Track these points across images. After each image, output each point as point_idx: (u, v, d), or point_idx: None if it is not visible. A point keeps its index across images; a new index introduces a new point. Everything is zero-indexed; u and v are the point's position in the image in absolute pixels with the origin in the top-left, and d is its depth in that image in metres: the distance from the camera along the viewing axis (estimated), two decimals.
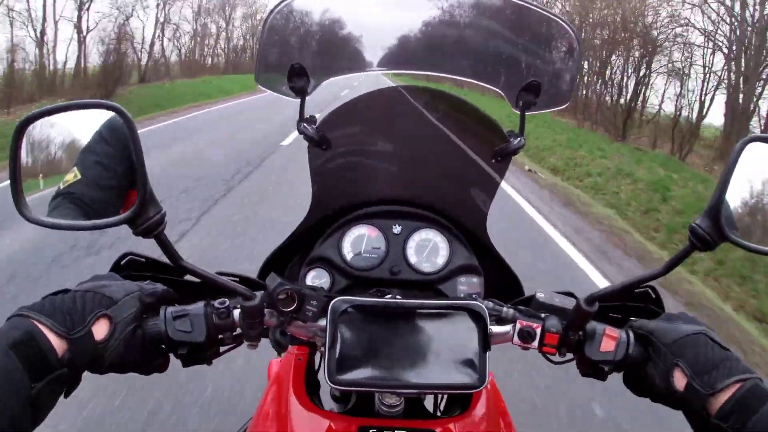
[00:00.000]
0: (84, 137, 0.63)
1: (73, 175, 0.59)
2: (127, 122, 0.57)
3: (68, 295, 0.60)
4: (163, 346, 0.68)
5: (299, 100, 0.78)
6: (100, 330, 0.59)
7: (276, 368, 1.03)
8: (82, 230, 0.58)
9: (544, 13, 0.80)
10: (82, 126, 0.63)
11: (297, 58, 0.78)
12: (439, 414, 0.97)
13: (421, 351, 0.70)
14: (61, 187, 0.59)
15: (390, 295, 0.79)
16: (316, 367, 1.01)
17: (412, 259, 0.93)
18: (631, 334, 0.70)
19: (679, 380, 0.62)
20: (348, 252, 0.92)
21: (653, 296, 0.79)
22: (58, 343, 0.55)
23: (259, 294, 0.69)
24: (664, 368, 0.64)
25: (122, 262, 0.76)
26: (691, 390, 0.60)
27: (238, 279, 0.77)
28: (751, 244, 0.64)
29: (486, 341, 0.70)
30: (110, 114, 0.59)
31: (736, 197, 0.64)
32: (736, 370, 0.59)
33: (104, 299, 0.61)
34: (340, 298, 0.70)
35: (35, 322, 0.55)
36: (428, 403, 0.97)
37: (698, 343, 0.63)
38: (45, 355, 0.54)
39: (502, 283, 0.96)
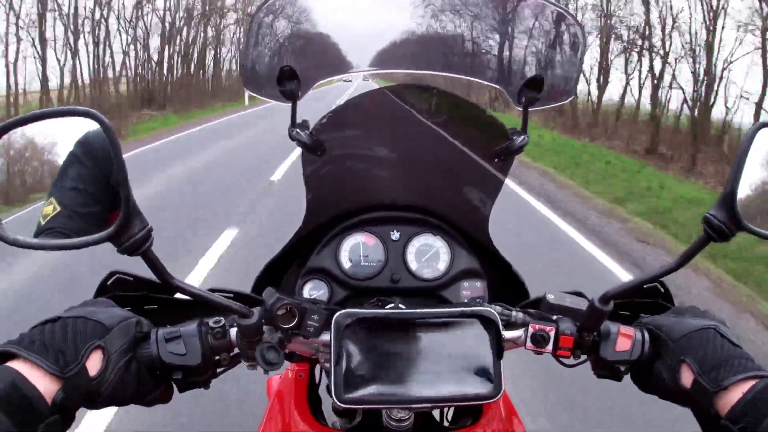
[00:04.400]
0: (60, 150, 0.59)
1: (51, 208, 0.56)
2: (105, 130, 0.52)
3: (58, 325, 0.56)
4: (158, 372, 0.64)
5: (290, 104, 0.74)
6: (94, 363, 0.56)
7: (276, 385, 0.99)
8: (61, 250, 0.53)
9: (546, 3, 0.78)
10: (57, 138, 0.59)
11: (286, 60, 0.73)
12: (446, 424, 0.93)
13: (431, 362, 0.66)
14: (42, 223, 0.55)
15: (392, 305, 0.76)
16: (318, 382, 0.97)
17: (413, 265, 0.90)
18: (645, 332, 0.67)
19: (686, 377, 0.60)
20: (346, 261, 0.89)
21: (662, 290, 0.77)
22: (48, 385, 0.52)
23: (256, 311, 0.65)
24: (671, 364, 0.62)
25: (109, 282, 0.71)
26: (698, 387, 0.58)
27: (232, 295, 0.73)
28: None
29: (500, 348, 0.67)
30: (88, 123, 0.54)
31: (750, 184, 0.62)
32: (744, 367, 0.57)
33: (97, 327, 0.57)
34: (344, 311, 0.66)
35: (23, 362, 0.52)
36: (436, 413, 0.93)
37: (707, 338, 0.61)
38: (33, 404, 0.50)
39: (506, 286, 0.93)
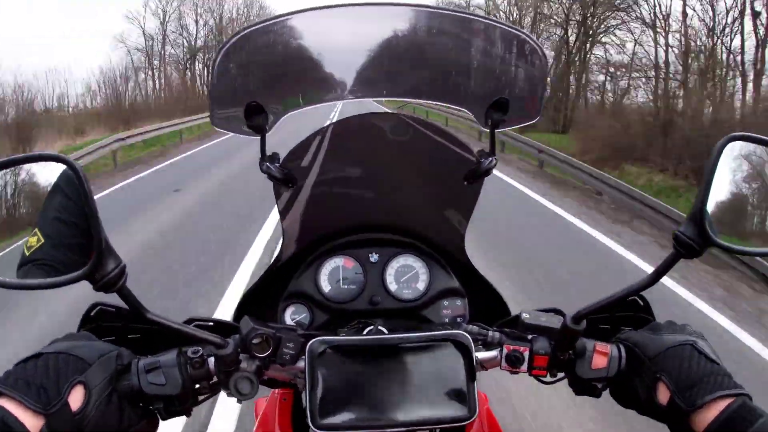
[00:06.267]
0: (36, 192, 0.61)
1: (36, 239, 0.57)
2: (75, 173, 0.55)
3: (40, 362, 0.57)
4: (141, 404, 0.65)
5: (259, 138, 0.75)
6: (76, 399, 0.57)
7: (262, 408, 0.99)
8: (37, 289, 0.56)
9: (507, 28, 0.78)
10: (30, 180, 0.61)
11: (252, 95, 0.74)
12: None
13: (407, 386, 0.67)
14: (27, 254, 0.57)
15: (372, 327, 0.76)
16: (304, 406, 0.97)
17: (392, 287, 0.90)
18: (622, 348, 0.67)
19: (662, 394, 0.60)
20: (325, 285, 0.89)
21: (642, 304, 0.77)
22: (32, 422, 0.53)
23: (232, 341, 0.66)
24: (647, 382, 0.62)
25: (92, 313, 0.73)
26: (674, 405, 0.58)
27: (212, 324, 0.74)
28: (739, 247, 0.62)
29: (472, 371, 0.67)
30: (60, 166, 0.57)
31: (719, 199, 0.62)
32: (721, 385, 0.57)
33: (78, 363, 0.58)
34: (318, 339, 0.67)
35: (7, 400, 0.53)
36: None
37: (683, 355, 0.61)
38: None
39: (486, 303, 0.93)
